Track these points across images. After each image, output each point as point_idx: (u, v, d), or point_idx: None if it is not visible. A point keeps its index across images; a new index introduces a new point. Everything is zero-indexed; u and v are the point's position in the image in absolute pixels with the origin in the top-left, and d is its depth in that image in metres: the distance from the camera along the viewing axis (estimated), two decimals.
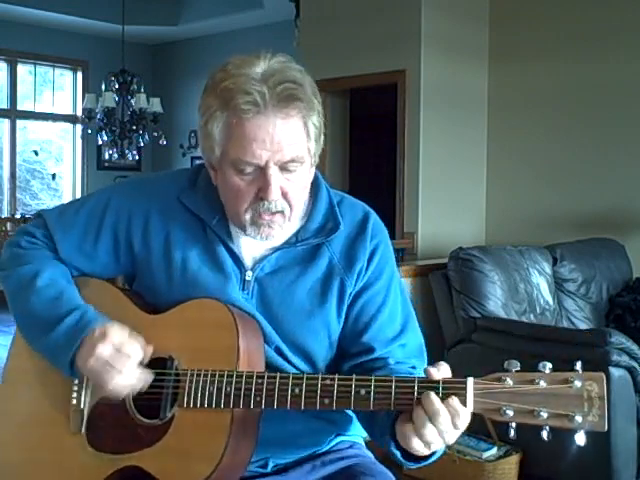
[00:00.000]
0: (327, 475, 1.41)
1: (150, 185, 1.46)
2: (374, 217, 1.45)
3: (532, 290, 3.71)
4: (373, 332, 1.38)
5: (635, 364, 3.01)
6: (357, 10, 5.02)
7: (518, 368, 1.12)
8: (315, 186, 1.43)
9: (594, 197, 4.82)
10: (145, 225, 1.40)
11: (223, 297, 1.33)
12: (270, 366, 1.33)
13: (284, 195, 1.30)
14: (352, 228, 1.41)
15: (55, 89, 9.51)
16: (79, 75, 9.50)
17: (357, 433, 1.50)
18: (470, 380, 1.13)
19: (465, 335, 3.49)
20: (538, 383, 1.09)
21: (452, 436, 1.14)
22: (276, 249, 1.38)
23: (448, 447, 1.23)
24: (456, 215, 5.09)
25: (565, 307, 3.91)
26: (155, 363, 1.31)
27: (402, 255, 4.40)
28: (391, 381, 1.16)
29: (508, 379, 1.11)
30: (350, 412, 1.44)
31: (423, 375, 1.23)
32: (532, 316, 3.65)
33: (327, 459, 1.43)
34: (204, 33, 8.82)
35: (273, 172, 1.27)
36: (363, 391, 1.17)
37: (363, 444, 1.53)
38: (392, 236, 1.56)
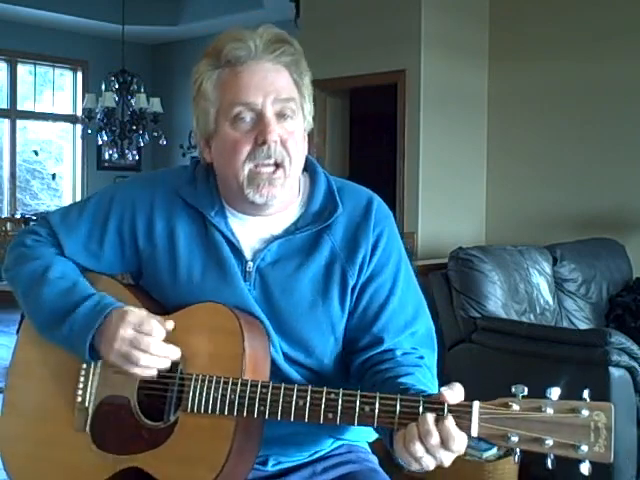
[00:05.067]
0: None
1: (152, 181, 1.45)
2: (378, 202, 1.41)
3: (532, 290, 3.70)
4: (383, 322, 1.35)
5: (635, 364, 3.01)
6: (357, 10, 5.02)
7: (525, 393, 1.10)
8: (312, 172, 1.42)
9: (594, 197, 4.82)
10: (149, 221, 1.39)
11: (228, 290, 1.32)
12: (273, 366, 1.32)
13: (283, 143, 1.30)
14: (355, 214, 1.38)
15: (55, 89, 9.50)
16: (79, 75, 9.49)
17: (361, 437, 1.48)
18: (476, 404, 1.10)
19: (465, 335, 3.48)
20: (545, 411, 1.08)
21: (446, 458, 1.11)
22: (276, 238, 1.36)
23: None
24: (456, 215, 5.09)
25: (565, 307, 3.90)
26: None
27: None
28: (396, 399, 1.14)
29: (514, 405, 1.09)
30: None
31: (428, 386, 1.23)
32: (532, 316, 3.65)
33: (327, 465, 1.41)
34: (204, 33, 8.79)
35: (270, 114, 1.29)
36: (367, 408, 1.15)
37: (368, 448, 1.50)
38: None
